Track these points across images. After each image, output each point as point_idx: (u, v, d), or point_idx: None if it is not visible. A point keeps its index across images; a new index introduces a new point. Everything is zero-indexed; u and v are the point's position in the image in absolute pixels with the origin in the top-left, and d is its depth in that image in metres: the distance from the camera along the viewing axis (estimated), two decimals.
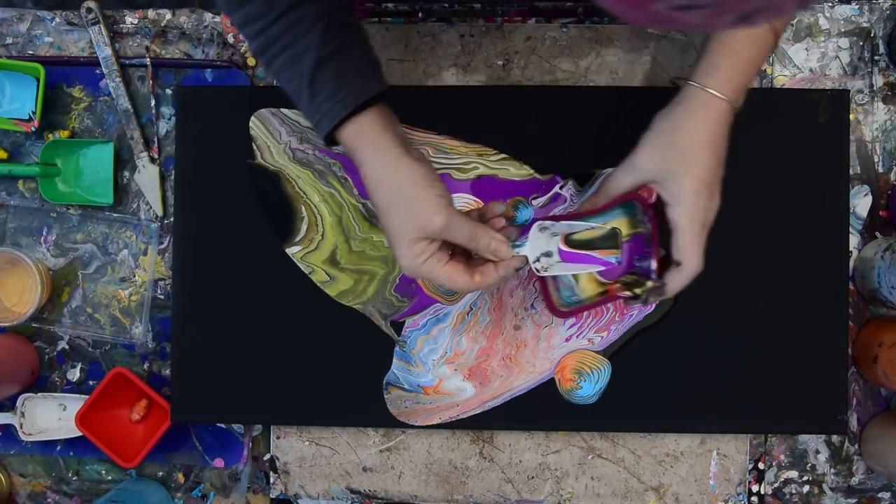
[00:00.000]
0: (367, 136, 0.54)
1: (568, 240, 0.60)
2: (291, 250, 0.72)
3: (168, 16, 0.77)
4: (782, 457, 0.74)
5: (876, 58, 0.74)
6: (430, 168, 0.55)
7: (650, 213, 0.58)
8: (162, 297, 0.76)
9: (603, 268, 0.60)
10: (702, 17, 0.25)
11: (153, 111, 0.76)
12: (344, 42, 0.54)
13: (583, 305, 0.63)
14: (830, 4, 0.75)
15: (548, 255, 0.59)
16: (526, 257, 0.57)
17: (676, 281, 0.57)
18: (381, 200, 0.54)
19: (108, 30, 0.76)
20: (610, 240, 0.60)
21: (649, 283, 0.58)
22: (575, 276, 0.63)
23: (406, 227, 0.54)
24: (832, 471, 0.74)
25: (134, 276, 0.76)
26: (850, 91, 0.72)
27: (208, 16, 0.77)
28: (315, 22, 0.54)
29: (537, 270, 0.58)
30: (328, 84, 0.54)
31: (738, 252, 0.70)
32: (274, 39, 0.54)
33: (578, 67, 0.75)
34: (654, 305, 0.71)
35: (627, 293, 0.59)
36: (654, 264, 0.58)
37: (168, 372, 0.75)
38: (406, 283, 0.72)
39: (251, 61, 0.76)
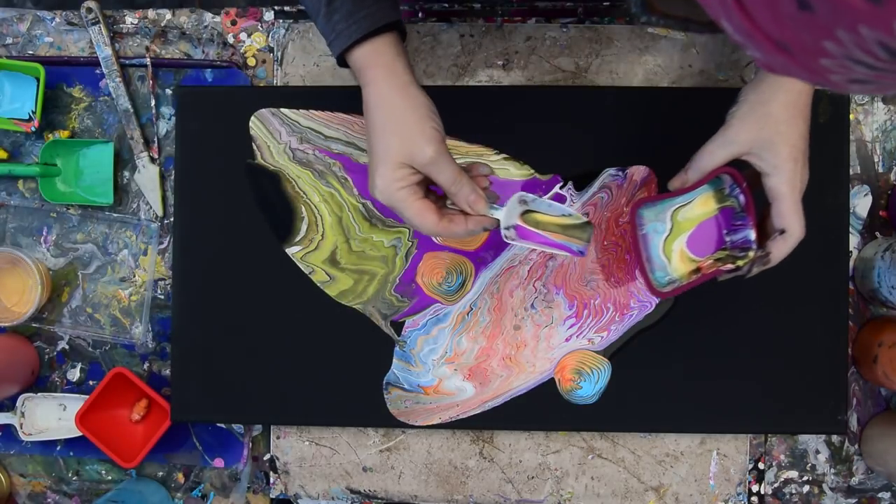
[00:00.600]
0: (380, 57, 0.55)
1: (535, 219, 0.60)
2: (291, 250, 0.72)
3: (168, 16, 0.77)
4: (782, 457, 0.74)
5: None
6: (431, 102, 0.56)
7: (743, 185, 0.59)
8: (162, 297, 0.76)
9: (560, 251, 0.60)
10: (867, 90, 0.27)
11: (153, 111, 0.76)
12: None
13: (680, 285, 0.62)
14: None
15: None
16: (497, 221, 0.57)
17: (781, 248, 0.58)
18: (378, 119, 0.55)
19: (108, 30, 0.76)
20: (580, 230, 0.60)
21: (751, 254, 0.59)
22: (667, 257, 0.63)
23: (396, 150, 0.54)
24: (832, 471, 0.74)
25: (134, 276, 0.76)
26: None
27: (208, 16, 0.77)
28: None
29: (506, 237, 0.58)
30: (345, 4, 0.55)
31: None
32: None
33: (578, 67, 0.75)
34: (653, 305, 0.71)
35: (729, 266, 0.60)
36: (753, 234, 0.59)
37: (168, 372, 0.75)
38: (406, 283, 0.72)
39: (251, 61, 0.76)
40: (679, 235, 0.62)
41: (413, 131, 0.54)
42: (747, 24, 0.26)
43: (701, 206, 0.62)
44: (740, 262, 0.59)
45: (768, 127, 0.57)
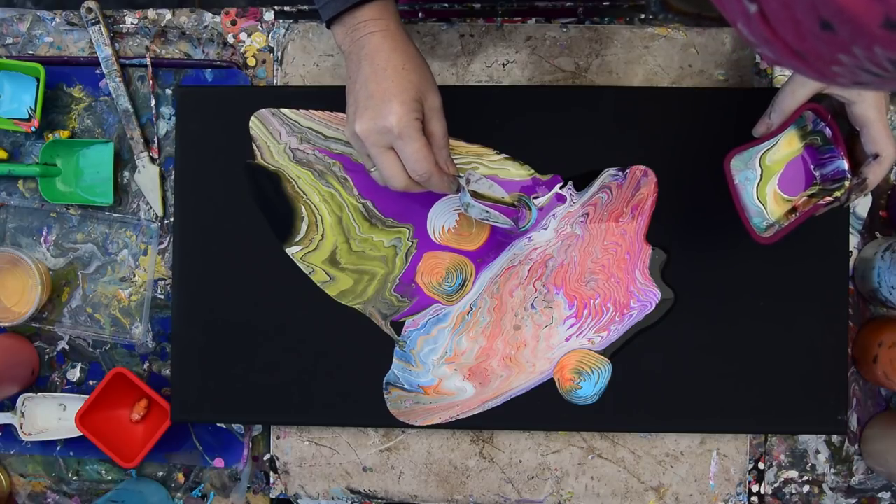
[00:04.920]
0: (390, 13, 0.57)
1: (478, 196, 0.65)
2: (291, 250, 0.72)
3: (168, 16, 0.77)
4: (782, 457, 0.74)
5: None
6: None
7: (829, 117, 0.60)
8: (162, 297, 0.76)
9: (508, 222, 0.66)
10: (866, 88, 0.29)
11: (153, 111, 0.76)
12: None
13: (781, 228, 0.63)
14: None
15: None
16: (458, 186, 0.62)
17: (878, 172, 0.59)
18: (395, 59, 0.56)
19: (108, 30, 0.76)
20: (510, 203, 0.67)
21: (848, 183, 0.60)
22: (762, 202, 0.64)
23: (415, 86, 0.56)
24: (832, 471, 0.74)
25: (134, 276, 0.76)
26: None
27: (208, 16, 0.77)
28: None
29: (463, 203, 0.63)
30: None
31: (738, 252, 0.71)
32: None
33: (578, 67, 0.75)
34: (653, 305, 0.71)
35: (827, 199, 0.61)
36: (845, 164, 0.60)
37: (168, 372, 0.75)
38: (406, 283, 0.72)
39: (251, 61, 0.76)
40: (770, 179, 0.64)
41: (429, 76, 0.58)
42: (769, 34, 0.28)
43: (786, 147, 0.63)
44: (837, 193, 0.60)
45: None
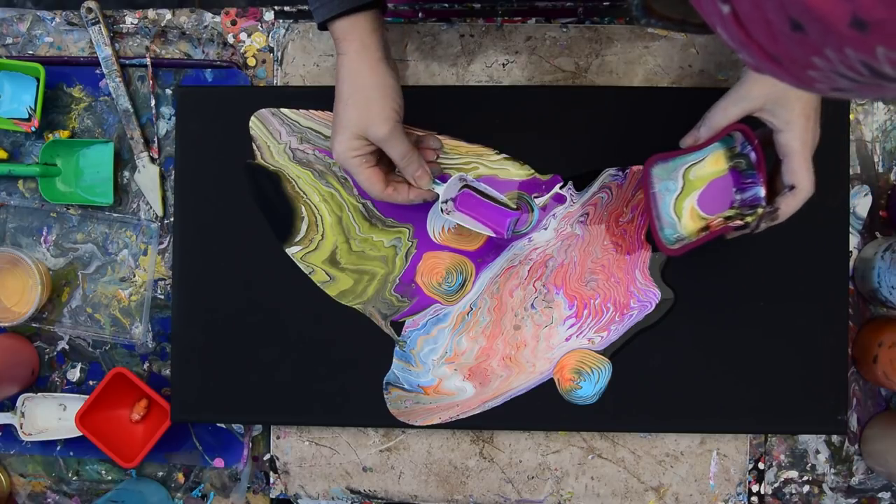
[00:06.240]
0: (356, 31, 0.60)
1: (476, 191, 0.67)
2: (291, 250, 0.72)
3: (168, 16, 0.77)
4: (782, 457, 0.74)
5: None
6: (397, 81, 0.61)
7: (755, 141, 0.60)
8: (162, 297, 0.76)
9: (486, 230, 0.67)
10: (846, 96, 0.29)
11: (153, 111, 0.76)
12: None
13: (689, 242, 0.63)
14: None
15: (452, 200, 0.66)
16: (437, 194, 0.64)
17: (791, 204, 0.59)
18: (344, 90, 0.60)
19: (108, 30, 0.76)
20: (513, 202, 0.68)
21: (760, 210, 0.60)
22: (677, 215, 0.64)
23: (355, 122, 0.59)
24: (832, 471, 0.74)
25: (134, 276, 0.76)
26: None
27: (208, 16, 0.77)
28: None
29: (441, 210, 0.64)
30: None
31: (738, 252, 0.70)
32: None
33: (578, 67, 0.75)
34: (653, 305, 0.71)
35: (737, 223, 0.60)
36: (762, 191, 0.60)
37: (168, 372, 0.75)
38: (406, 283, 0.72)
39: (251, 61, 0.76)
40: (690, 193, 0.63)
41: (372, 109, 0.59)
42: (744, 38, 0.28)
43: (712, 165, 0.63)
44: (749, 219, 0.60)
45: (782, 83, 0.58)
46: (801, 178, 0.58)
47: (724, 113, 0.60)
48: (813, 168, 0.59)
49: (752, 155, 0.61)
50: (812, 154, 0.59)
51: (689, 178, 0.63)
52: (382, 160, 0.63)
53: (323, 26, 0.61)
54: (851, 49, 0.24)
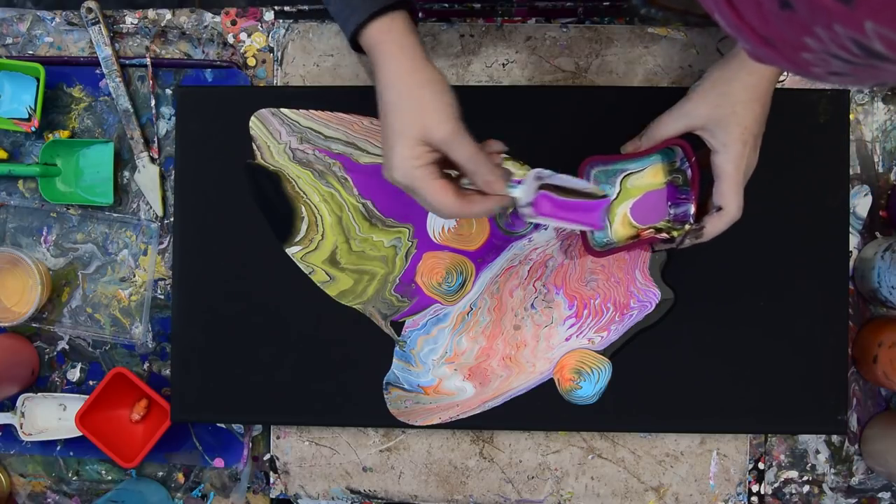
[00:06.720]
0: (393, 33, 0.55)
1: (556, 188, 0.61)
2: (291, 250, 0.72)
3: (168, 16, 0.77)
4: (782, 457, 0.74)
5: None
6: (445, 78, 0.55)
7: (692, 159, 0.60)
8: (162, 297, 0.76)
9: (578, 226, 0.62)
10: (845, 81, 0.29)
11: (153, 111, 0.76)
12: None
13: (615, 247, 0.64)
14: None
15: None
16: (514, 199, 0.57)
17: (716, 225, 0.60)
18: (392, 97, 0.54)
19: (108, 30, 0.76)
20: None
21: (687, 227, 0.60)
22: (609, 219, 0.64)
23: (413, 126, 0.53)
24: (832, 471, 0.74)
25: (134, 276, 0.76)
26: (850, 91, 0.72)
27: (208, 16, 0.77)
28: None
29: (524, 216, 0.58)
30: None
31: (738, 252, 0.70)
32: None
33: (578, 67, 0.75)
34: (653, 305, 0.71)
35: (663, 236, 0.61)
36: (692, 208, 0.61)
37: (168, 372, 0.75)
38: (406, 283, 0.72)
39: (251, 61, 0.76)
40: (625, 201, 0.64)
41: (430, 108, 0.53)
42: (736, 20, 0.28)
43: (651, 176, 0.64)
44: (675, 233, 0.61)
45: (725, 105, 0.58)
46: (728, 200, 0.59)
47: (666, 126, 0.61)
48: (743, 193, 0.59)
49: (689, 171, 0.62)
50: (745, 180, 0.59)
51: (627, 186, 0.64)
52: (442, 175, 0.55)
53: (355, 44, 0.57)
54: (840, 25, 0.24)
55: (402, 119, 0.53)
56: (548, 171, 0.58)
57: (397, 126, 0.53)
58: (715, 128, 0.59)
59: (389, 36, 0.55)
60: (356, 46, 0.58)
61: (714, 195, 0.59)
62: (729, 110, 0.58)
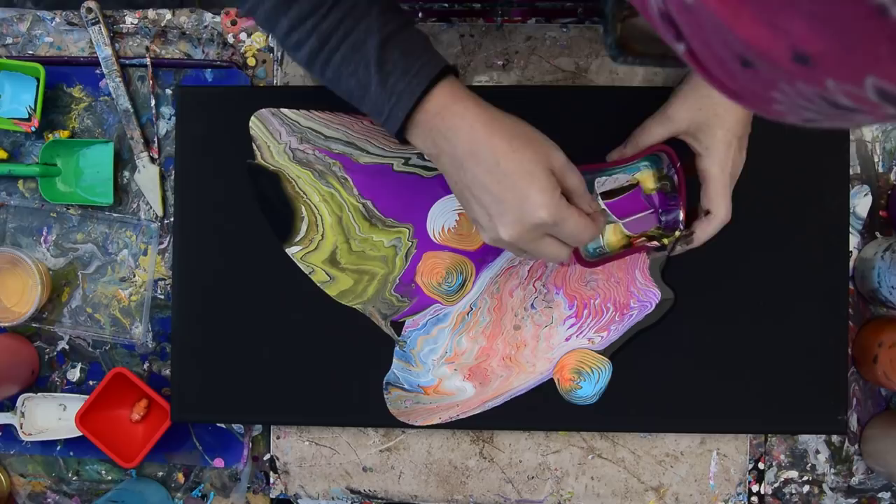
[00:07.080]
0: (458, 88, 0.52)
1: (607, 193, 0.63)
2: (291, 250, 0.72)
3: (168, 16, 0.77)
4: (782, 457, 0.74)
5: None
6: None
7: (678, 164, 0.60)
8: (162, 297, 0.76)
9: (645, 211, 0.63)
10: (823, 125, 0.28)
11: (153, 111, 0.76)
12: (402, 20, 0.54)
13: (608, 257, 0.64)
14: None
15: None
16: (607, 217, 0.58)
17: (705, 229, 0.60)
18: (499, 144, 0.51)
19: (108, 30, 0.76)
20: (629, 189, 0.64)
21: (677, 233, 0.60)
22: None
23: (536, 162, 0.50)
24: (832, 471, 0.74)
25: (134, 276, 0.76)
26: None
27: (208, 16, 0.77)
28: (370, 4, 0.53)
29: (623, 226, 0.61)
30: (399, 62, 0.52)
31: (738, 252, 0.70)
32: (329, 33, 0.53)
33: (578, 67, 0.75)
34: (653, 305, 0.71)
35: (654, 244, 0.61)
36: (681, 214, 0.61)
37: (168, 372, 0.75)
38: (406, 283, 0.72)
39: (251, 61, 0.76)
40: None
41: (539, 139, 0.52)
42: (703, 73, 0.27)
43: (642, 186, 0.65)
44: (665, 241, 0.61)
45: (706, 108, 0.58)
46: (716, 204, 0.59)
47: (650, 132, 0.61)
48: (731, 195, 0.59)
49: (675, 177, 0.61)
50: (733, 182, 0.59)
51: None
52: None
53: (402, 137, 0.53)
54: (802, 83, 0.23)
55: (526, 154, 0.51)
56: (602, 178, 0.60)
57: (524, 163, 0.50)
58: (697, 132, 0.58)
59: (458, 93, 0.52)
60: (401, 134, 0.54)
61: (702, 199, 0.59)
62: (711, 112, 0.58)
